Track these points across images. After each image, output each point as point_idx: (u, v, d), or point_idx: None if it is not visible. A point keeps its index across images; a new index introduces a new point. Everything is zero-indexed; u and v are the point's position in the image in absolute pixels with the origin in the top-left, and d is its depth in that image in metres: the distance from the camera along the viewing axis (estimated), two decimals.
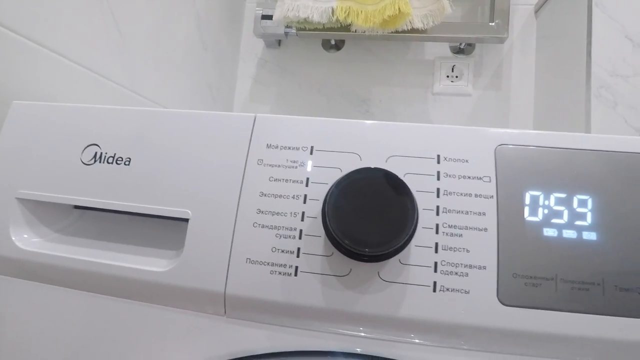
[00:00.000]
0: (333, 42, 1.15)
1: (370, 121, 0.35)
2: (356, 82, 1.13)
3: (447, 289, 0.31)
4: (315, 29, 1.00)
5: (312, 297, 0.32)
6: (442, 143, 0.34)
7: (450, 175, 0.33)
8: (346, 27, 0.96)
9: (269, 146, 0.35)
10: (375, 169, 0.31)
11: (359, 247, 0.29)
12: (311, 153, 0.35)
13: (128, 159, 0.36)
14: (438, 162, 0.34)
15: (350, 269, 0.32)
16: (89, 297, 0.36)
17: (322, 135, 0.35)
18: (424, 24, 0.95)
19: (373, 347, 0.32)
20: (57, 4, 0.51)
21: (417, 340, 0.32)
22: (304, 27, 0.99)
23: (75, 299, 0.36)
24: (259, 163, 0.35)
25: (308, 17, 0.95)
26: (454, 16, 1.12)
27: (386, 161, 0.34)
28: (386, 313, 0.31)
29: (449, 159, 0.34)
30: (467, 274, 0.31)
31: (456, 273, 0.31)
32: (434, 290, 0.31)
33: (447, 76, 1.11)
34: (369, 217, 0.30)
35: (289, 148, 0.35)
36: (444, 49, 1.13)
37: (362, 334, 0.32)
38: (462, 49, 1.12)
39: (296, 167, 0.34)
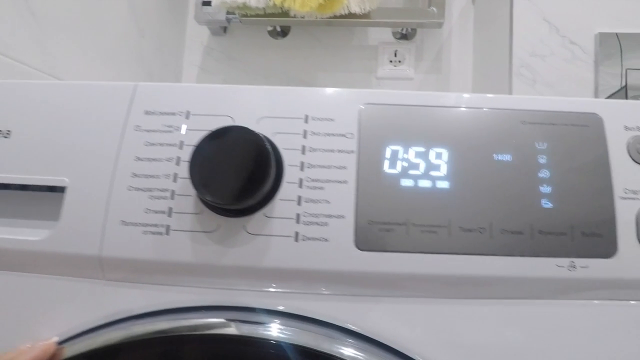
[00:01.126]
0: (279, 29, 1.16)
1: (244, 86, 0.37)
2: (302, 68, 1.15)
3: (308, 238, 0.33)
4: (257, 15, 1.01)
5: (182, 254, 0.33)
6: (310, 104, 0.36)
7: (316, 134, 0.35)
8: (287, 13, 0.97)
9: (147, 113, 0.37)
10: (237, 127, 0.32)
11: (218, 201, 0.31)
12: (187, 117, 0.36)
13: (8, 132, 0.37)
14: (306, 122, 0.35)
15: (218, 225, 0.34)
16: None
17: (198, 101, 0.37)
18: (361, 8, 0.97)
19: (242, 298, 0.34)
20: None
21: (282, 290, 0.34)
22: (246, 14, 1.00)
23: None
24: (137, 129, 0.36)
25: (246, 2, 0.95)
26: (396, 2, 1.15)
27: (257, 122, 0.36)
28: (252, 264, 0.33)
29: (316, 118, 0.35)
30: (326, 224, 0.33)
31: (317, 223, 0.33)
32: (296, 240, 0.33)
33: (390, 61, 1.14)
34: (230, 172, 0.31)
35: (166, 114, 0.36)
36: (386, 34, 1.15)
37: (232, 287, 0.34)
38: (405, 35, 1.14)
39: (171, 132, 0.36)
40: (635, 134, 0.35)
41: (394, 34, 1.15)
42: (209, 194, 0.31)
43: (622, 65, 0.78)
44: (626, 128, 0.35)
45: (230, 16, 1.03)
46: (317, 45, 1.15)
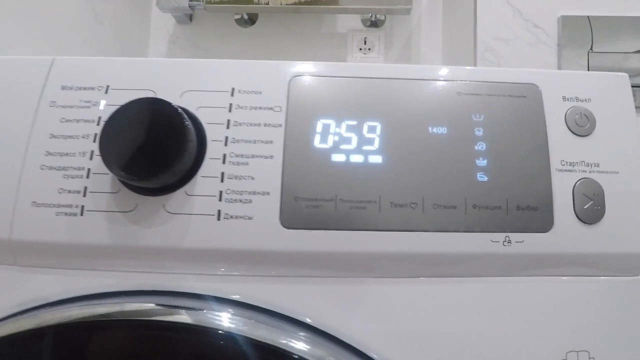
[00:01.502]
0: (246, 17, 1.14)
1: (168, 59, 0.35)
2: (270, 56, 1.12)
3: (231, 217, 0.31)
4: (222, 2, 0.98)
5: (98, 236, 0.31)
6: (238, 77, 0.34)
7: (242, 107, 0.33)
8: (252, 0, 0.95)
9: (63, 88, 0.34)
10: (150, 99, 0.30)
11: (129, 177, 0.29)
12: (106, 92, 0.34)
13: None
14: (232, 95, 0.34)
15: (137, 204, 0.31)
16: None
17: (118, 75, 0.34)
18: None
19: (163, 282, 0.32)
20: None
21: (203, 272, 0.32)
22: (210, 0, 0.97)
23: None
24: (52, 105, 0.34)
25: None
26: None
27: (181, 96, 0.34)
28: (171, 245, 0.31)
29: (243, 91, 0.34)
30: (250, 201, 0.31)
31: (240, 200, 0.31)
32: (218, 219, 0.31)
33: (360, 49, 1.12)
34: (143, 147, 0.29)
35: (84, 89, 0.34)
36: (356, 22, 1.13)
37: (152, 270, 0.32)
38: (374, 22, 1.12)
39: (89, 107, 0.34)
40: (574, 105, 0.34)
41: (363, 21, 1.13)
42: (120, 170, 0.29)
43: (592, 48, 0.78)
44: (564, 99, 0.34)
45: (194, 3, 1.01)
46: (286, 33, 1.13)
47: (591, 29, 0.77)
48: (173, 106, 0.30)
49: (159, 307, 0.31)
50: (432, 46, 1.10)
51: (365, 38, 1.13)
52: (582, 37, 0.78)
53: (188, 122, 0.30)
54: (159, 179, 0.29)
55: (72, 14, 0.83)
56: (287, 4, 0.95)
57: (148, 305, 0.31)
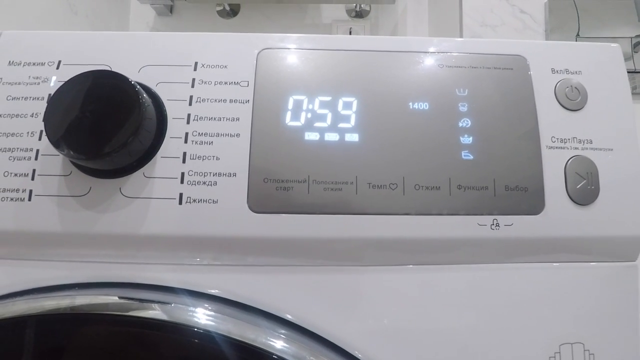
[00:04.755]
0: (228, 9, 1.10)
1: (125, 32, 0.32)
2: None
3: (194, 200, 0.28)
4: None
5: (48, 222, 0.28)
6: (201, 50, 0.31)
7: (206, 82, 0.30)
8: None
9: (11, 63, 0.31)
10: (99, 71, 0.28)
11: (76, 156, 0.26)
12: (57, 68, 0.31)
13: None
14: (195, 70, 0.31)
15: (90, 187, 0.29)
16: None
17: (71, 49, 0.32)
18: None
19: (120, 273, 0.29)
20: None
21: (164, 261, 0.29)
22: None
23: None
24: None
25: None
26: None
27: (139, 71, 0.31)
28: (128, 231, 0.28)
29: (207, 65, 0.31)
30: (215, 183, 0.28)
31: (204, 182, 0.28)
32: (180, 203, 0.28)
33: None
34: (92, 123, 0.26)
35: (34, 64, 0.31)
36: (340, 12, 1.11)
37: (109, 260, 0.29)
38: (359, 12, 1.10)
39: (39, 84, 0.31)
40: (564, 77, 0.32)
41: (348, 11, 1.11)
42: (65, 147, 0.26)
43: (579, 34, 0.76)
44: (554, 71, 0.32)
45: None
46: (269, 24, 1.10)
47: (578, 14, 0.75)
48: (126, 79, 0.27)
49: (114, 301, 0.28)
50: (419, 35, 1.08)
51: (350, 29, 1.10)
52: (569, 22, 0.76)
53: (144, 97, 0.27)
54: (112, 158, 0.27)
55: (44, 3, 0.79)
56: None
57: (102, 298, 0.28)
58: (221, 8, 1.11)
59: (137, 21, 1.11)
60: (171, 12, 1.11)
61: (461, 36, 0.81)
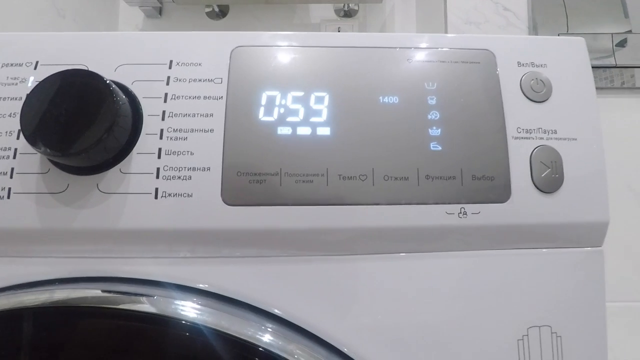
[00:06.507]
0: (217, 10, 1.11)
1: (102, 32, 0.32)
2: None
3: (170, 194, 0.29)
4: None
5: (26, 219, 0.29)
6: (176, 49, 0.32)
7: (180, 80, 0.31)
8: None
9: None
10: (73, 70, 0.28)
11: (50, 151, 0.27)
12: (35, 68, 0.32)
13: None
14: (170, 68, 0.32)
15: (68, 184, 0.29)
16: None
17: (49, 50, 0.32)
18: None
19: (99, 267, 0.30)
20: None
21: (142, 255, 0.30)
22: None
23: None
24: None
25: None
26: None
27: (115, 70, 0.32)
28: (106, 226, 0.29)
29: (182, 63, 0.32)
30: (190, 177, 0.29)
31: (179, 177, 0.29)
32: (156, 197, 0.29)
33: None
34: (67, 120, 0.27)
35: (11, 65, 0.32)
36: (329, 12, 1.12)
37: (86, 255, 0.30)
38: (347, 12, 1.11)
39: (16, 84, 0.31)
40: (529, 70, 0.33)
41: (336, 11, 1.12)
42: (40, 144, 0.27)
43: (567, 29, 0.77)
44: (519, 64, 0.33)
45: None
46: (258, 25, 1.11)
47: (566, 11, 0.76)
48: (99, 77, 0.28)
49: (93, 294, 0.29)
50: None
51: (338, 28, 1.11)
52: (553, 18, 0.77)
53: (117, 93, 0.28)
54: (88, 155, 0.27)
55: (31, 7, 0.79)
56: None
57: (80, 292, 0.29)
58: (210, 9, 1.12)
59: (126, 24, 1.11)
60: (160, 14, 1.12)
61: (445, 32, 0.82)
